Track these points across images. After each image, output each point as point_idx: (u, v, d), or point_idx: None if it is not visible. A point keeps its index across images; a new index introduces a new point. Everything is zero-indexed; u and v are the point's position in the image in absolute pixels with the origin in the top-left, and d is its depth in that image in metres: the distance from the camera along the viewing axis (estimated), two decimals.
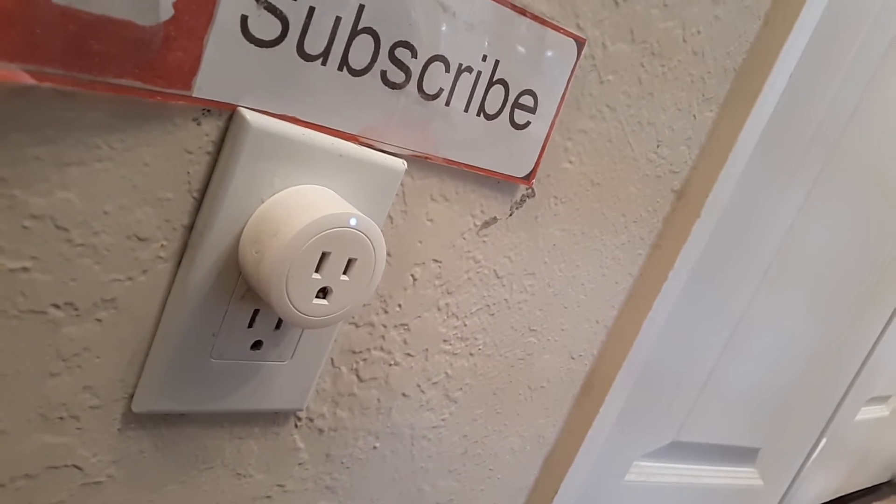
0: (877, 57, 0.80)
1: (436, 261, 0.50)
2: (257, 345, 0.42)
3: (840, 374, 1.21)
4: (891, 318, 1.22)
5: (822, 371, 1.13)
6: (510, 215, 0.52)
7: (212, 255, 0.37)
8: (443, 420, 0.58)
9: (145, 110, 0.33)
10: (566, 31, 0.46)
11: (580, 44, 0.47)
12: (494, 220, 0.51)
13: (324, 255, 0.37)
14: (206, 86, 0.34)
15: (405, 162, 0.43)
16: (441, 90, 0.42)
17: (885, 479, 1.96)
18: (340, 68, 0.38)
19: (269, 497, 0.50)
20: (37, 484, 0.38)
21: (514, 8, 0.43)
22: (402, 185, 0.45)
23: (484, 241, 0.52)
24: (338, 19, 0.36)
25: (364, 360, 0.50)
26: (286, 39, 0.35)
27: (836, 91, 0.78)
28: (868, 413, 1.50)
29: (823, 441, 1.27)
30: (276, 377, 0.44)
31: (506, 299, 0.56)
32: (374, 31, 0.38)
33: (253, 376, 0.43)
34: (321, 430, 0.50)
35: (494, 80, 0.44)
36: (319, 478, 0.52)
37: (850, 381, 1.23)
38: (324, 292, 0.38)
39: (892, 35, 0.79)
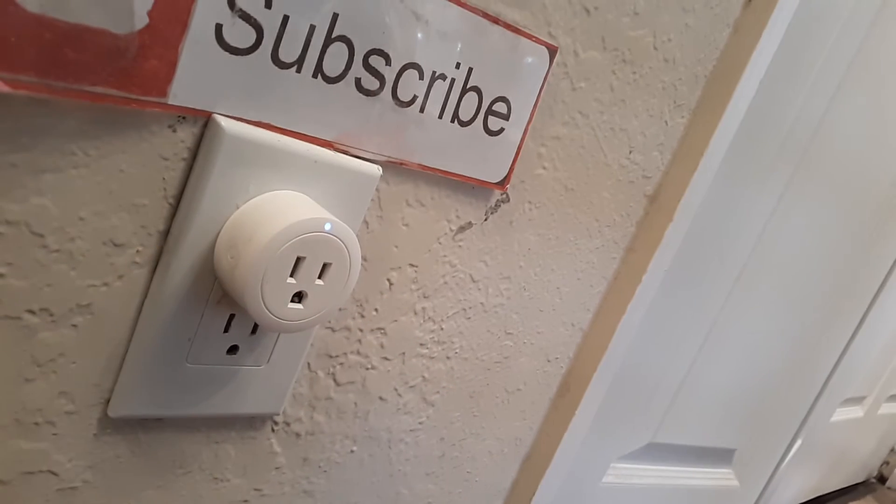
0: (845, 64, 0.81)
1: (412, 265, 0.51)
2: (233, 349, 0.43)
3: (814, 376, 1.22)
4: (862, 320, 1.24)
5: (796, 372, 1.15)
6: (485, 220, 0.53)
7: (187, 260, 0.38)
8: (420, 423, 0.59)
9: (121, 117, 0.34)
10: (538, 38, 0.47)
11: (552, 51, 0.48)
12: (470, 224, 0.52)
13: (299, 260, 0.37)
14: (182, 93, 0.34)
15: (380, 168, 0.43)
16: (415, 97, 0.43)
17: (861, 479, 1.99)
18: (315, 76, 0.38)
19: (246, 501, 0.50)
20: (12, 490, 0.39)
21: (487, 16, 0.44)
22: (377, 190, 0.45)
23: (460, 246, 0.52)
24: (312, 27, 0.37)
25: (341, 364, 0.50)
26: (261, 47, 0.36)
27: (806, 97, 0.79)
28: (843, 414, 1.53)
29: (799, 442, 1.29)
30: (252, 381, 0.45)
31: (482, 303, 0.57)
32: (348, 38, 0.38)
33: (229, 381, 0.44)
34: (298, 435, 0.51)
35: (468, 87, 0.45)
36: (297, 482, 0.53)
37: (823, 381, 1.25)
38: (299, 297, 0.38)
39: (860, 42, 0.81)
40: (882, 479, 2.08)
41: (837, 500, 1.83)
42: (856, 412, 1.65)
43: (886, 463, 2.07)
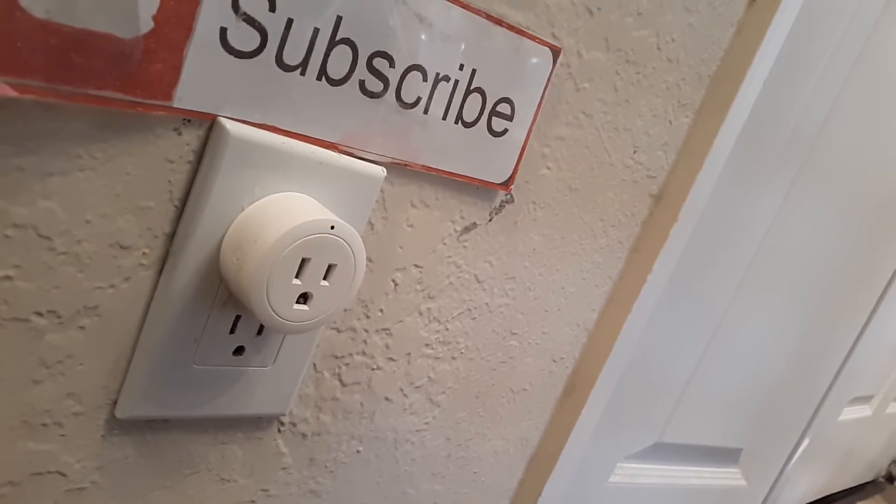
0: (849, 63, 0.81)
1: (417, 266, 0.51)
2: (239, 350, 0.43)
3: (821, 374, 1.22)
4: (869, 319, 1.23)
5: (803, 371, 1.15)
6: (490, 221, 0.53)
7: (193, 262, 0.38)
8: (426, 423, 0.59)
9: (127, 121, 0.34)
10: (542, 40, 0.47)
11: (556, 52, 0.48)
12: (474, 225, 0.52)
13: (304, 261, 0.37)
14: (187, 96, 0.35)
15: (385, 169, 0.44)
16: (419, 99, 0.43)
17: (869, 479, 1.98)
18: (319, 78, 0.38)
19: (253, 502, 0.51)
20: (21, 491, 0.39)
21: (490, 18, 0.44)
22: (381, 191, 0.45)
23: (464, 247, 0.53)
24: (316, 30, 0.37)
25: (346, 364, 0.51)
26: (265, 50, 0.36)
27: (811, 96, 0.79)
28: (851, 413, 1.52)
29: (806, 441, 1.29)
30: (258, 382, 0.45)
31: (487, 303, 0.57)
32: (352, 41, 0.39)
33: (235, 382, 0.44)
34: (304, 435, 0.51)
35: (472, 88, 0.45)
36: (303, 482, 0.53)
37: (830, 380, 1.24)
38: (304, 298, 0.38)
39: (864, 41, 0.81)
40: (891, 479, 2.07)
41: (846, 499, 1.83)
42: (864, 411, 1.64)
43: (895, 462, 2.06)
